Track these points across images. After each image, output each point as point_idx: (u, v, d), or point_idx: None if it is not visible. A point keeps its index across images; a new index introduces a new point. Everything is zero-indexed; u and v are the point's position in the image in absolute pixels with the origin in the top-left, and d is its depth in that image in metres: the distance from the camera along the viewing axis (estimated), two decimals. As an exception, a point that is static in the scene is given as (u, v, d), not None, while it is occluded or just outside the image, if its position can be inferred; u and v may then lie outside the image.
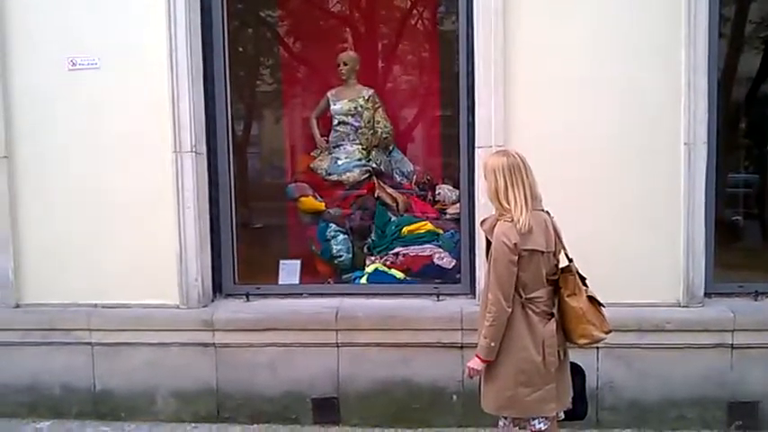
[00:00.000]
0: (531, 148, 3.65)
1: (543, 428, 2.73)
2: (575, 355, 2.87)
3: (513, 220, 2.57)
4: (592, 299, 2.72)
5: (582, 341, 2.69)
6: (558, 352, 2.68)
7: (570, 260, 2.75)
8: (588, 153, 3.74)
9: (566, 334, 2.71)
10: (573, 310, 2.66)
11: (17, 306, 4.10)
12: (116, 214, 4.01)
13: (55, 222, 4.05)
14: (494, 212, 2.76)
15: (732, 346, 3.70)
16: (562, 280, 2.70)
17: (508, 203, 2.60)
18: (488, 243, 2.71)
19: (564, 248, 2.76)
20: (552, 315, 2.67)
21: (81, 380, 4.04)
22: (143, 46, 3.93)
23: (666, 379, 3.72)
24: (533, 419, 2.73)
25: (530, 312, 2.61)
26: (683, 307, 3.72)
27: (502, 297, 2.58)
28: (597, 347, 3.70)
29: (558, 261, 2.75)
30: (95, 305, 4.06)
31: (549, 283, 2.70)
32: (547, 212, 2.74)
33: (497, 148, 3.77)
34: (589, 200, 3.72)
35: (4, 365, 4.08)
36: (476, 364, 2.71)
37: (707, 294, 3.83)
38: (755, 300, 3.88)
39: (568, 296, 2.68)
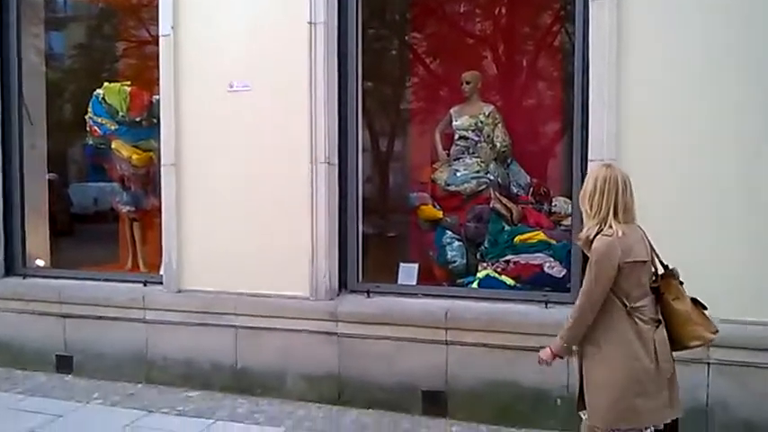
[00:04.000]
0: (638, 163, 3.85)
1: None
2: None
3: (612, 235, 2.61)
4: (695, 301, 2.77)
5: (693, 343, 2.73)
6: (671, 359, 2.72)
7: (668, 267, 2.81)
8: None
9: (674, 339, 2.73)
10: (680, 314, 2.71)
11: (179, 291, 4.83)
12: (262, 217, 4.59)
13: (212, 222, 4.72)
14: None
15: None
16: (665, 285, 2.75)
17: (591, 209, 2.70)
18: (584, 255, 2.81)
19: (658, 257, 2.83)
20: (659, 322, 2.70)
21: (226, 357, 4.67)
22: (288, 71, 4.48)
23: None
24: (646, 429, 2.72)
25: (638, 321, 2.63)
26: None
27: (589, 308, 2.69)
28: (708, 363, 3.68)
29: (656, 270, 2.82)
30: (241, 294, 4.68)
31: (651, 291, 2.76)
32: (639, 227, 2.82)
33: (610, 160, 3.92)
34: (688, 224, 3.72)
35: (167, 341, 4.83)
36: (546, 354, 2.89)
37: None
38: None
39: (673, 300, 2.72)
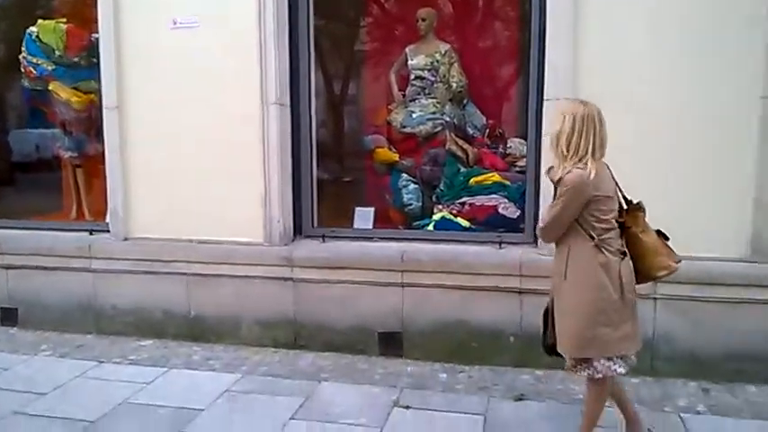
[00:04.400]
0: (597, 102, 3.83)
1: (622, 372, 2.78)
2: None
3: (584, 169, 2.62)
4: (659, 232, 2.82)
5: (660, 273, 2.78)
6: (635, 290, 2.77)
7: (632, 202, 2.83)
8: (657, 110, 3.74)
9: (641, 271, 2.78)
10: (647, 245, 2.76)
11: (126, 239, 4.67)
12: (212, 161, 4.45)
13: (159, 167, 4.55)
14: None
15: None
16: (632, 219, 2.78)
17: (568, 151, 2.67)
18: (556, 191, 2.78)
19: (622, 192, 2.83)
20: (625, 254, 2.74)
21: (178, 306, 4.58)
22: (236, 6, 4.27)
23: (726, 332, 3.72)
24: (613, 363, 2.74)
25: (605, 252, 2.66)
26: (749, 262, 3.68)
27: (552, 233, 2.78)
28: (655, 299, 3.78)
29: (621, 204, 2.81)
30: (192, 240, 4.56)
31: (617, 226, 2.77)
32: (606, 164, 2.79)
33: (564, 99, 3.88)
34: (640, 162, 3.69)
35: (114, 291, 4.69)
36: None
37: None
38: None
39: (641, 233, 2.77)
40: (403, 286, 4.17)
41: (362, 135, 5.00)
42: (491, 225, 4.39)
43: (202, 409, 3.51)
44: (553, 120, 2.81)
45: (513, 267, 4.00)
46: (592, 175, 2.61)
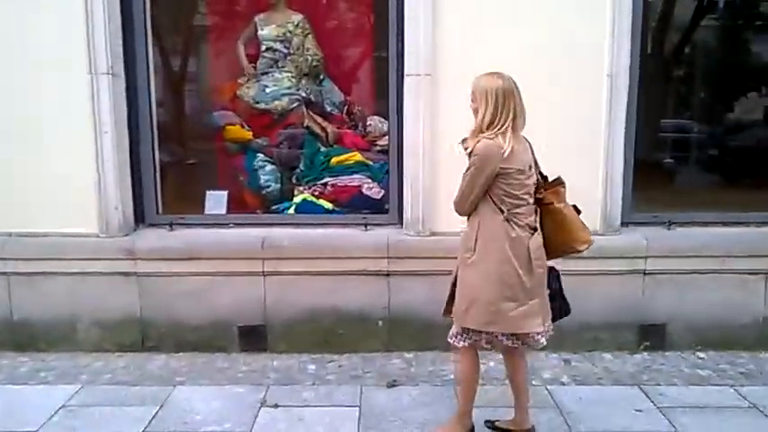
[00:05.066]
0: (458, 78, 3.77)
1: (544, 343, 2.76)
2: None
3: (493, 139, 2.56)
4: (575, 207, 2.81)
5: (582, 246, 2.78)
6: (545, 265, 2.73)
7: (548, 177, 2.81)
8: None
9: (561, 245, 2.76)
10: (568, 219, 2.75)
11: (-76, 235, 3.88)
12: (32, 141, 3.82)
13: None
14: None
15: (644, 272, 3.90)
16: (554, 194, 2.74)
17: (487, 126, 2.59)
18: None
19: (539, 168, 2.79)
20: (536, 230, 2.69)
21: (-4, 310, 3.91)
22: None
23: (582, 303, 3.88)
24: (531, 337, 2.70)
25: (514, 227, 2.61)
26: (600, 235, 3.85)
27: (463, 205, 2.69)
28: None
29: (538, 180, 2.77)
30: (9, 234, 3.90)
31: (532, 201, 2.72)
32: (525, 138, 2.73)
33: (425, 76, 3.79)
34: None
35: None
36: None
37: (623, 224, 3.99)
38: (668, 229, 4.06)
39: (564, 208, 2.74)
40: (264, 275, 3.88)
41: (210, 111, 4.55)
42: (355, 207, 4.22)
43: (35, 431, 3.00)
44: (472, 95, 2.69)
45: (381, 249, 3.86)
46: (505, 147, 2.54)
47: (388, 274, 3.88)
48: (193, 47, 4.93)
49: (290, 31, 4.48)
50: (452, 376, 3.52)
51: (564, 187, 2.79)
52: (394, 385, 3.48)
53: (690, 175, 5.35)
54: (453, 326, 2.82)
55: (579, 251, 2.80)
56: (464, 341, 2.77)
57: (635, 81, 3.90)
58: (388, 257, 3.85)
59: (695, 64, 5.59)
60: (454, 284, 2.80)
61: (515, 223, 2.63)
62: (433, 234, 3.90)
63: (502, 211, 2.62)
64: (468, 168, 2.62)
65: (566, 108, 3.74)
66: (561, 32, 3.75)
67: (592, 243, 2.82)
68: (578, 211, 2.82)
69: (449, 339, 2.84)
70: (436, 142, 3.84)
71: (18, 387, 3.49)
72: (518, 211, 2.64)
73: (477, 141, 2.60)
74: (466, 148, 2.64)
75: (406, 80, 3.84)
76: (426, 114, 3.82)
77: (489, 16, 3.76)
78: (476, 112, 2.67)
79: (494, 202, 2.62)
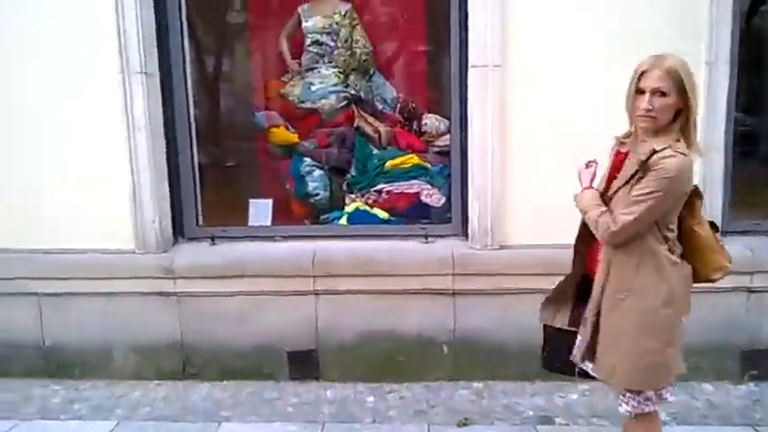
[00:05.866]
0: (532, 69, 3.33)
1: (669, 399, 2.27)
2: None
3: (686, 154, 2.03)
4: (712, 224, 2.27)
5: (717, 275, 2.23)
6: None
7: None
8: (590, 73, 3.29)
9: (695, 272, 2.21)
10: (704, 241, 2.19)
11: (-52, 253, 3.60)
12: (59, 149, 3.51)
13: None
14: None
15: (749, 290, 3.38)
16: (689, 208, 2.18)
17: (686, 137, 2.07)
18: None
19: None
20: (683, 256, 2.19)
21: (27, 334, 3.60)
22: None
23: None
24: (665, 390, 2.21)
25: (675, 258, 2.12)
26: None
27: (629, 234, 2.07)
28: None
29: None
30: (36, 250, 3.58)
31: None
32: None
33: (494, 67, 3.35)
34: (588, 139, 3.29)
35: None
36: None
37: (722, 233, 3.46)
38: None
39: (697, 225, 2.19)
40: (316, 294, 3.49)
41: (252, 112, 4.17)
42: (413, 216, 3.79)
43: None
44: (669, 82, 2.03)
45: (445, 265, 3.43)
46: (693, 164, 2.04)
47: (453, 293, 3.45)
48: (232, 43, 4.54)
49: (336, 22, 4.06)
50: (532, 413, 3.09)
51: (700, 199, 2.21)
52: (466, 424, 3.05)
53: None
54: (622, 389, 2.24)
55: (713, 281, 2.24)
56: (649, 404, 2.20)
57: (734, 69, 3.38)
58: (453, 274, 3.42)
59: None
60: (573, 327, 2.31)
61: (676, 254, 2.13)
62: (503, 247, 3.46)
63: (666, 240, 2.10)
64: (653, 189, 2.00)
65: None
66: (652, 16, 3.25)
67: (727, 272, 2.24)
68: (716, 229, 2.27)
69: (627, 409, 2.22)
70: (506, 142, 3.39)
71: (50, 423, 3.17)
72: (674, 235, 2.13)
73: (668, 155, 2.01)
74: (645, 160, 2.03)
75: (471, 72, 3.40)
76: (495, 111, 3.37)
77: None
78: (668, 109, 2.05)
79: (659, 229, 2.09)
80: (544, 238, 3.29)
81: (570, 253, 2.36)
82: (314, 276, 3.47)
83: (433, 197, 3.82)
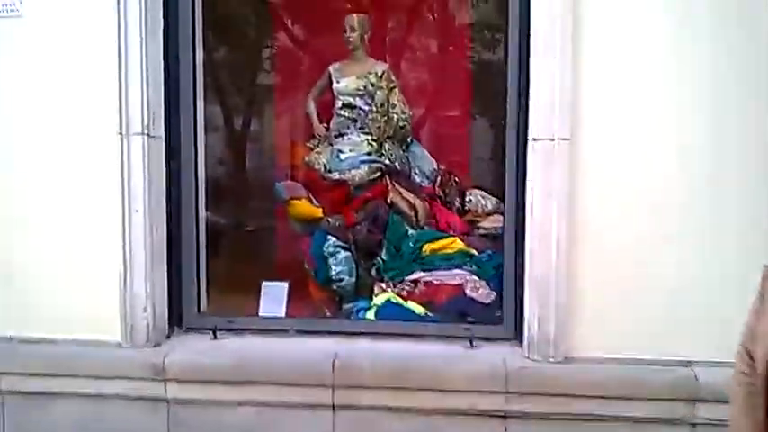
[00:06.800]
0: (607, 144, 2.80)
1: None
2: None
3: None
4: None
5: None
6: None
7: None
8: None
9: None
10: None
11: None
12: (36, 219, 3.00)
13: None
14: None
15: None
16: None
17: None
18: None
19: None
20: None
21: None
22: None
23: None
24: None
25: None
26: None
27: None
28: (694, 424, 2.69)
29: None
30: (10, 338, 3.02)
31: None
32: None
33: (561, 140, 2.79)
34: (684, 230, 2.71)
35: None
36: None
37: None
38: None
39: None
40: (335, 409, 2.84)
41: (271, 182, 3.65)
42: (455, 313, 3.17)
43: None
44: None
45: (496, 379, 2.77)
46: None
47: (504, 416, 2.77)
48: (253, 104, 4.09)
49: (372, 84, 3.64)
50: None
51: None
52: None
53: None
54: None
55: None
56: None
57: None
58: (506, 392, 2.75)
59: None
60: None
61: None
62: (568, 360, 2.80)
63: None
64: None
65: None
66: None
67: None
68: None
69: None
70: (576, 231, 2.79)
71: None
72: None
73: None
74: None
75: (532, 146, 2.84)
76: (562, 193, 2.78)
77: (646, 56, 2.75)
78: None
79: None
80: (618, 350, 2.68)
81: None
82: (333, 386, 2.82)
83: (479, 291, 3.22)
